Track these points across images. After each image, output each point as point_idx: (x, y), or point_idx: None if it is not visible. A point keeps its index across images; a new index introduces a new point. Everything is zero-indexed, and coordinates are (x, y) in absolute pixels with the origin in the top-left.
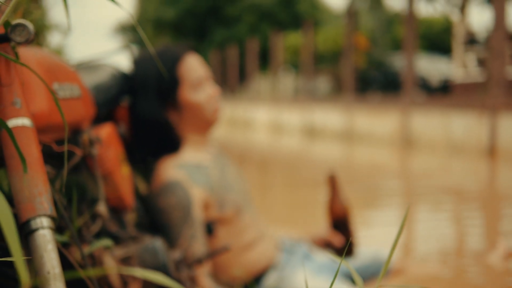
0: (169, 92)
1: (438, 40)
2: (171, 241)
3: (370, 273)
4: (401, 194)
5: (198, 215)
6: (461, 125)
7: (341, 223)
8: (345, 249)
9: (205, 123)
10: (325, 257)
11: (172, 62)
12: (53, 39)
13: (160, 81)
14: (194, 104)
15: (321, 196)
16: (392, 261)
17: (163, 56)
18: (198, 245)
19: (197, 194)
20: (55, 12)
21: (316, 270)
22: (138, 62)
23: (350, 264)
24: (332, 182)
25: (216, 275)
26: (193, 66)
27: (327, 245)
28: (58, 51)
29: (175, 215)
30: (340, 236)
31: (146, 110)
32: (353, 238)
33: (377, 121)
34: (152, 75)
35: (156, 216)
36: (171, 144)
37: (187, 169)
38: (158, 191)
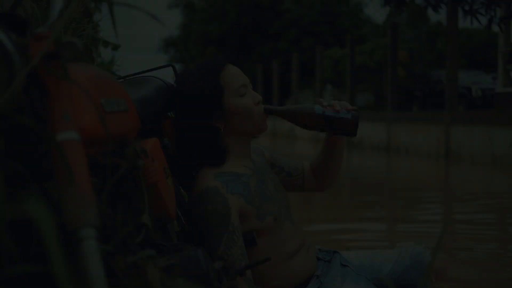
0: (214, 99)
1: (480, 52)
2: (210, 248)
3: (411, 278)
4: (442, 207)
5: (236, 220)
6: (503, 139)
7: (330, 123)
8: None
9: (253, 128)
10: (360, 265)
11: (214, 71)
12: (103, 54)
13: (203, 90)
14: (242, 108)
15: (367, 212)
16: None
17: (205, 67)
18: (237, 250)
19: (233, 202)
20: (105, 28)
21: (355, 278)
22: (181, 75)
23: (388, 267)
24: (276, 113)
25: (257, 285)
26: (235, 74)
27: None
28: (108, 66)
29: (212, 221)
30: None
31: (193, 120)
32: (349, 121)
33: (419, 134)
34: (196, 85)
35: (195, 224)
36: (215, 155)
37: (223, 178)
38: (196, 199)
